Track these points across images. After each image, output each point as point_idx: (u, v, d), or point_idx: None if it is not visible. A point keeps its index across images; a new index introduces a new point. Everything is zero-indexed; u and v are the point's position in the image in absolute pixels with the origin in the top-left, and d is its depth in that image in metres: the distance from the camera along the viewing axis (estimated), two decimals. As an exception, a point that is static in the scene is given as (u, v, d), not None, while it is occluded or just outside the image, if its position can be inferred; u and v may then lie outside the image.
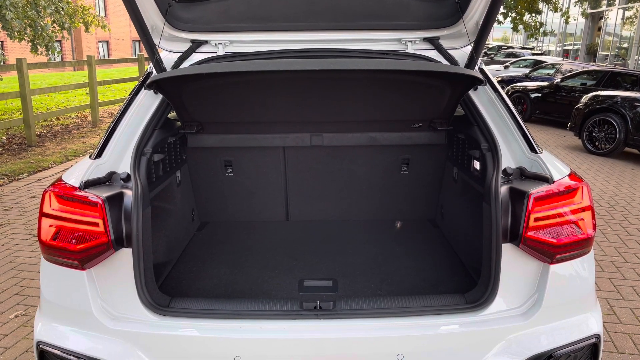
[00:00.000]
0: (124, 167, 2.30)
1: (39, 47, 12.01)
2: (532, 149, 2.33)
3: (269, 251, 3.20)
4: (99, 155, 2.30)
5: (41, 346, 2.15)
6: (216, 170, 3.57)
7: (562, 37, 40.33)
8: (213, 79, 2.62)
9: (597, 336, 2.20)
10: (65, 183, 2.16)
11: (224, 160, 3.53)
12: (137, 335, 2.09)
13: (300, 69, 2.11)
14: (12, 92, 9.79)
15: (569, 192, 2.11)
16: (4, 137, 10.15)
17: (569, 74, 13.32)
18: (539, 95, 12.95)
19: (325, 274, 2.89)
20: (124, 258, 2.14)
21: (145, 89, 2.57)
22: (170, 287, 2.72)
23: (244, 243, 3.36)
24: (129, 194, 2.15)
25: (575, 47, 37.04)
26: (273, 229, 3.63)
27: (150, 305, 2.14)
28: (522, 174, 2.25)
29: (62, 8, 12.43)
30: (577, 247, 2.10)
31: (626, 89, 11.20)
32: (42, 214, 2.09)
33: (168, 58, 2.85)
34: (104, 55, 42.01)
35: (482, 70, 2.71)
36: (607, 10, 32.20)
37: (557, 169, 2.25)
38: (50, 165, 8.26)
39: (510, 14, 23.77)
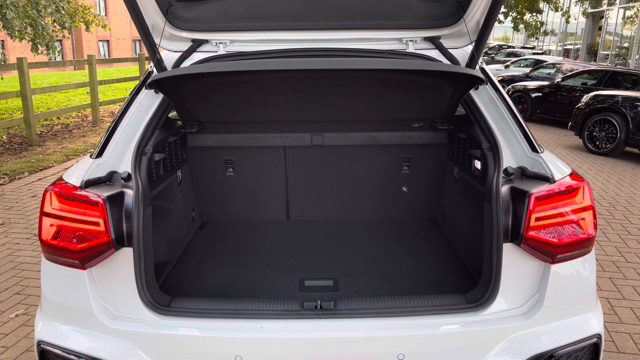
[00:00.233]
0: (125, 166, 2.30)
1: (39, 46, 12.01)
2: (533, 149, 2.32)
3: (269, 251, 3.20)
4: (99, 154, 2.30)
5: (42, 345, 2.15)
6: (217, 170, 3.57)
7: (562, 36, 40.30)
8: (214, 79, 2.62)
9: (598, 336, 2.20)
10: (66, 182, 2.16)
11: (224, 159, 3.53)
12: (138, 334, 2.09)
13: (300, 69, 2.11)
14: (13, 92, 9.79)
15: (570, 192, 2.11)
16: (4, 137, 10.15)
17: (570, 73, 13.32)
18: (540, 94, 12.94)
19: (326, 273, 2.88)
20: (125, 257, 2.14)
21: (145, 89, 2.56)
22: (171, 287, 2.72)
23: (244, 243, 3.36)
24: (129, 193, 2.15)
25: (576, 46, 37.02)
26: (274, 228, 3.63)
27: (151, 304, 2.14)
28: (523, 173, 2.25)
29: (63, 7, 12.43)
30: (578, 246, 2.10)
31: (627, 89, 11.19)
32: (43, 214, 2.08)
33: (169, 57, 2.85)
34: (104, 55, 42.02)
35: (483, 70, 2.71)
36: (607, 9, 32.17)
37: (558, 168, 2.25)
38: (50, 165, 8.26)
39: (511, 13, 23.76)
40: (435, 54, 2.88)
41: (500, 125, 2.49)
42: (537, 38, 31.32)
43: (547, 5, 24.69)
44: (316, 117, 3.18)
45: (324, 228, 3.61)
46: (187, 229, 3.40)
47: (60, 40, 32.46)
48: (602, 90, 10.66)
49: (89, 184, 2.11)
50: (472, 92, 2.68)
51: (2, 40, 27.59)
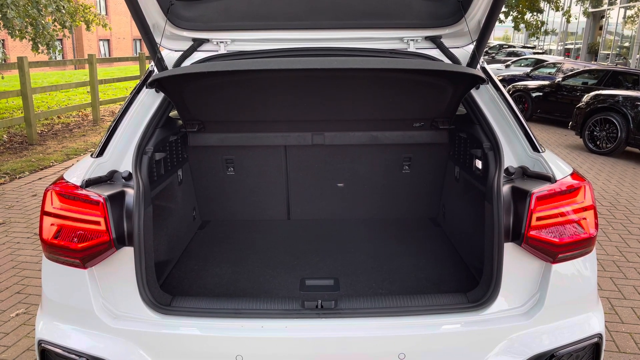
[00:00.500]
0: (126, 165, 2.30)
1: (40, 45, 12.01)
2: (535, 148, 2.32)
3: (270, 250, 3.20)
4: (100, 153, 2.30)
5: (42, 345, 2.15)
6: (217, 169, 3.57)
7: (563, 36, 40.28)
8: (214, 78, 2.61)
9: (599, 336, 2.20)
10: (67, 182, 2.16)
11: (225, 159, 3.53)
12: (139, 334, 2.09)
13: (301, 68, 2.10)
14: (13, 91, 9.79)
15: (571, 192, 2.11)
16: (5, 136, 10.15)
17: (570, 73, 13.30)
18: (540, 94, 12.94)
19: (327, 273, 2.88)
20: (126, 257, 2.14)
21: (146, 88, 2.56)
22: (171, 286, 2.72)
23: (245, 242, 3.35)
24: (130, 192, 2.15)
25: (577, 46, 37.00)
26: (274, 227, 3.63)
27: (151, 304, 2.14)
28: (524, 173, 2.24)
29: (63, 6, 12.42)
30: (579, 246, 2.10)
31: (627, 88, 11.18)
32: (44, 213, 2.08)
33: (169, 56, 2.85)
34: (105, 54, 42.03)
35: (484, 69, 2.71)
36: (608, 9, 32.16)
37: (560, 168, 2.24)
38: (51, 164, 8.26)
39: (511, 12, 23.74)
40: (436, 53, 2.88)
41: (502, 124, 2.49)
42: (537, 37, 31.30)
43: (548, 4, 24.67)
44: (317, 117, 3.17)
45: (324, 227, 3.61)
46: (187, 228, 3.40)
47: (61, 40, 32.46)
48: (602, 89, 10.65)
49: (89, 183, 2.11)
50: (473, 92, 2.68)
51: (3, 40, 27.60)
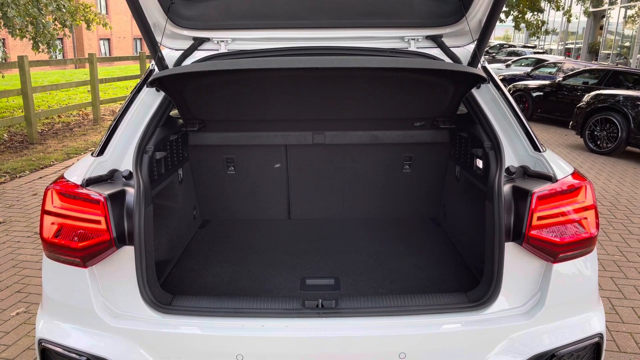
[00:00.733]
0: (126, 164, 2.30)
1: (40, 44, 12.01)
2: (535, 148, 2.32)
3: (270, 249, 3.20)
4: (101, 152, 2.29)
5: (43, 344, 2.15)
6: (218, 168, 3.57)
7: (564, 35, 40.26)
8: (215, 77, 2.61)
9: (600, 335, 2.19)
10: (68, 181, 2.15)
11: (225, 158, 3.53)
12: (139, 333, 2.09)
13: (302, 67, 2.10)
14: (14, 90, 9.79)
15: (572, 191, 2.11)
16: (5, 135, 10.15)
17: (571, 72, 13.30)
18: (541, 94, 12.93)
19: (327, 272, 2.88)
20: (126, 256, 2.13)
21: (147, 87, 2.56)
22: (172, 285, 2.72)
23: (245, 241, 3.35)
24: (131, 191, 2.15)
25: (577, 45, 36.99)
26: (275, 227, 3.62)
27: (152, 303, 2.14)
28: (525, 172, 2.24)
29: (64, 6, 12.42)
30: (580, 246, 2.09)
31: (628, 88, 11.18)
32: (44, 212, 2.08)
33: (170, 55, 2.85)
34: (105, 53, 42.03)
35: (485, 69, 2.70)
36: (609, 8, 32.14)
37: (561, 167, 2.24)
38: (51, 163, 8.26)
39: (512, 12, 23.71)
40: (437, 52, 2.87)
41: (502, 124, 2.49)
42: (538, 37, 31.28)
43: (549, 4, 24.65)
44: (317, 116, 3.17)
45: (325, 227, 3.61)
46: (188, 228, 3.40)
47: (61, 39, 32.46)
48: (603, 89, 10.64)
49: (90, 182, 2.11)
50: (474, 91, 2.68)
51: (3, 39, 27.60)
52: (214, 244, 3.32)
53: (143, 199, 2.16)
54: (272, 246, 3.25)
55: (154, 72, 2.61)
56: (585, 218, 2.10)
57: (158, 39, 2.70)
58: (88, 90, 16.44)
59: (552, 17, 37.86)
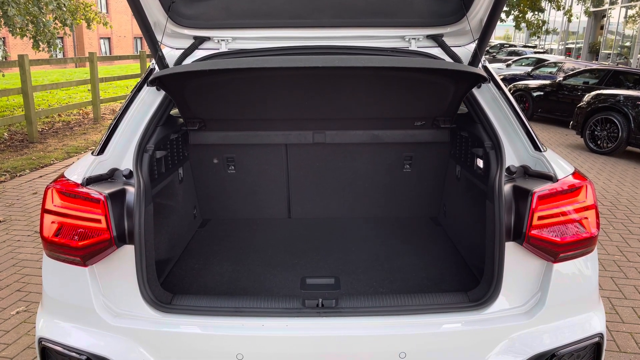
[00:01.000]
0: (127, 163, 2.29)
1: (40, 43, 12.01)
2: (536, 147, 2.31)
3: (271, 248, 3.20)
4: (101, 151, 2.29)
5: (43, 343, 2.15)
6: (218, 168, 3.57)
7: (564, 35, 40.26)
8: (215, 76, 2.61)
9: (600, 335, 2.19)
10: (68, 179, 2.15)
11: (226, 157, 3.53)
12: (139, 332, 2.09)
13: (303, 66, 2.10)
14: (14, 89, 9.79)
15: (572, 191, 2.10)
16: (5, 134, 10.15)
17: (571, 72, 13.29)
18: (541, 93, 12.93)
19: (328, 271, 2.88)
20: (126, 255, 2.13)
21: (147, 86, 2.56)
22: (172, 284, 2.72)
23: (246, 240, 3.35)
24: (131, 190, 2.14)
25: (578, 45, 36.98)
26: (275, 226, 3.62)
27: (152, 302, 2.14)
28: (526, 172, 2.24)
29: (64, 4, 12.42)
30: (580, 245, 2.09)
31: (629, 88, 11.17)
32: (45, 210, 2.08)
33: (171, 54, 2.85)
34: (105, 52, 42.02)
35: (485, 68, 2.70)
36: (609, 8, 32.13)
37: (561, 167, 2.24)
38: (51, 162, 8.26)
39: (512, 12, 23.70)
40: (437, 52, 2.87)
41: (503, 123, 2.48)
42: (538, 37, 31.27)
43: (549, 4, 24.64)
44: (318, 115, 3.17)
45: (325, 226, 3.61)
46: (188, 227, 3.40)
47: (62, 38, 32.47)
48: (603, 89, 10.64)
49: (90, 181, 2.10)
50: (474, 91, 2.67)
51: (4, 38, 27.60)
52: (214, 243, 3.32)
53: (143, 198, 2.16)
54: (272, 245, 3.25)
55: (155, 71, 2.61)
56: (586, 218, 2.10)
57: (158, 37, 2.70)
58: (88, 89, 16.44)
59: (553, 17, 37.86)
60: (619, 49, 30.66)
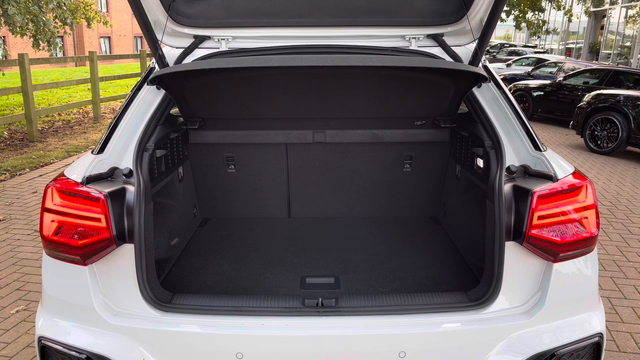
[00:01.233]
0: (126, 162, 2.29)
1: (40, 42, 12.01)
2: (536, 147, 2.31)
3: (271, 248, 3.20)
4: (101, 150, 2.29)
5: (43, 341, 2.15)
6: (218, 167, 3.57)
7: (564, 35, 40.25)
8: (216, 75, 2.61)
9: (600, 335, 2.19)
10: (68, 178, 2.15)
11: (226, 156, 3.53)
12: (139, 331, 2.09)
13: (303, 65, 2.10)
14: (14, 88, 9.78)
15: (573, 191, 2.10)
16: (5, 133, 10.15)
17: (572, 72, 13.29)
18: (541, 93, 12.93)
19: (327, 271, 2.88)
20: (126, 254, 2.13)
21: (147, 85, 2.56)
22: (172, 283, 2.72)
23: (245, 240, 3.35)
24: (131, 189, 2.14)
25: (578, 45, 36.97)
26: (275, 225, 3.62)
27: (152, 301, 2.14)
28: (526, 171, 2.24)
29: (64, 3, 12.43)
30: (580, 245, 2.09)
31: (629, 88, 11.17)
32: (44, 209, 2.08)
33: (171, 53, 2.84)
34: (105, 51, 42.02)
35: (486, 68, 2.70)
36: (610, 8, 32.12)
37: (561, 167, 2.24)
38: (51, 161, 8.26)
39: (513, 11, 23.69)
40: (438, 51, 2.87)
41: (503, 123, 2.48)
42: (539, 37, 31.27)
43: (550, 3, 24.63)
44: (318, 114, 3.17)
45: (325, 225, 3.61)
46: (188, 226, 3.40)
47: (62, 37, 32.45)
48: (603, 89, 10.64)
49: (90, 179, 2.10)
50: (474, 90, 2.67)
51: (4, 36, 27.57)
52: (214, 242, 3.32)
53: (143, 197, 2.16)
54: (272, 245, 3.25)
55: (155, 70, 2.61)
56: (586, 217, 2.10)
57: (159, 36, 2.70)
58: (88, 88, 16.44)
59: (553, 17, 37.86)
60: (619, 49, 30.65)
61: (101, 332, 2.10)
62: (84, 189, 2.06)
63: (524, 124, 2.41)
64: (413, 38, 2.89)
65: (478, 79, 2.57)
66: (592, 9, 32.96)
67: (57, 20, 12.65)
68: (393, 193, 3.70)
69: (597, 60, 30.99)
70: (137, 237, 2.10)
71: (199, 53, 2.86)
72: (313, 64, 2.08)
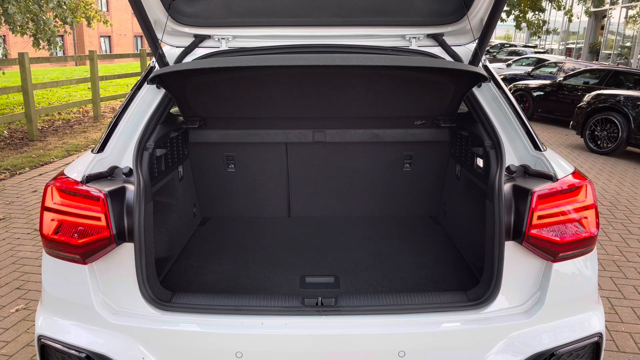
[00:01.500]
0: (126, 161, 2.29)
1: (41, 41, 12.01)
2: (536, 147, 2.31)
3: (270, 247, 3.20)
4: (101, 149, 2.29)
5: (42, 340, 2.15)
6: (218, 166, 3.57)
7: (565, 35, 40.24)
8: (216, 74, 2.61)
9: (600, 335, 2.19)
10: (68, 177, 2.15)
11: (226, 155, 3.53)
12: (139, 329, 2.09)
13: (303, 65, 2.10)
14: (14, 87, 9.78)
15: (572, 190, 2.10)
16: (5, 132, 10.15)
17: (572, 72, 13.29)
18: (542, 93, 12.93)
19: (327, 270, 2.88)
20: (126, 253, 2.13)
21: (147, 84, 2.56)
22: (171, 282, 2.72)
23: (245, 239, 3.35)
24: (131, 188, 2.14)
25: (578, 45, 36.97)
26: (275, 225, 3.62)
27: (151, 300, 2.14)
28: (526, 171, 2.24)
29: (65, 2, 12.42)
30: (580, 245, 2.09)
31: (629, 88, 11.17)
32: (44, 208, 2.08)
33: (171, 53, 2.84)
34: (105, 51, 42.02)
35: (486, 67, 2.70)
36: (610, 8, 32.12)
37: (561, 167, 2.24)
38: (51, 160, 8.26)
39: (513, 11, 23.68)
40: (438, 51, 2.87)
41: (503, 123, 2.48)
42: (539, 37, 31.26)
43: (550, 3, 24.62)
44: (318, 114, 3.17)
45: (325, 225, 3.61)
46: (188, 225, 3.40)
47: (62, 36, 32.45)
48: (604, 89, 10.64)
49: (90, 178, 2.10)
50: (475, 90, 2.67)
51: (4, 35, 27.56)
52: (214, 241, 3.32)
53: (143, 196, 2.16)
54: (272, 244, 3.25)
55: (155, 69, 2.61)
56: (586, 217, 2.10)
57: (159, 36, 2.70)
58: (88, 88, 16.43)
59: (553, 17, 37.85)
60: (619, 49, 30.65)
61: (101, 331, 2.10)
62: (84, 187, 2.06)
63: (524, 123, 2.41)
64: (413, 38, 2.89)
65: (478, 79, 2.57)
66: (592, 9, 32.96)
67: (57, 19, 12.65)
68: (393, 193, 3.70)
69: (597, 60, 30.99)
70: (137, 236, 2.10)
71: (199, 52, 2.86)
72: (313, 63, 2.08)
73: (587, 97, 10.13)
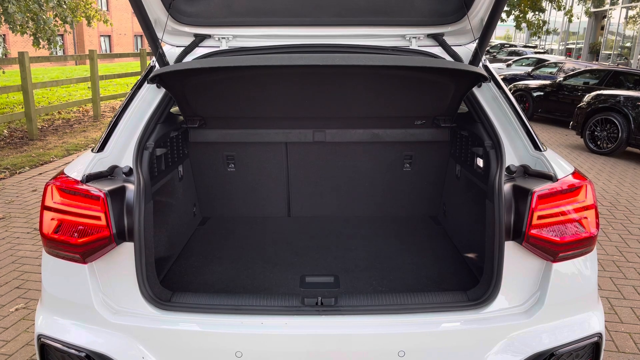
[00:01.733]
0: (126, 161, 2.29)
1: (41, 40, 12.01)
2: (536, 147, 2.31)
3: (270, 247, 3.20)
4: (101, 148, 2.29)
5: (42, 339, 2.15)
6: (218, 165, 3.57)
7: (565, 35, 40.24)
8: (216, 74, 2.61)
9: (599, 335, 2.19)
10: (68, 176, 2.15)
11: (226, 155, 3.53)
12: (138, 329, 2.09)
13: (303, 64, 2.10)
14: (14, 86, 9.77)
15: (572, 191, 2.10)
16: (5, 131, 10.15)
17: (572, 72, 13.29)
18: (542, 93, 12.93)
19: (327, 270, 2.88)
20: (126, 252, 2.13)
21: (147, 83, 2.56)
22: (171, 282, 2.72)
23: (245, 238, 3.35)
24: (131, 188, 2.14)
25: (578, 45, 36.97)
26: (274, 224, 3.62)
27: (151, 299, 2.14)
28: (526, 171, 2.24)
29: (65, 2, 12.42)
30: (580, 245, 2.09)
31: (629, 88, 11.17)
32: (44, 207, 2.08)
33: (171, 52, 2.84)
34: (106, 50, 42.01)
35: (486, 67, 2.70)
36: (610, 9, 32.12)
37: (561, 167, 2.24)
38: (51, 159, 8.26)
39: (513, 11, 23.67)
40: (438, 51, 2.87)
41: (503, 123, 2.48)
42: (539, 37, 31.25)
43: (550, 4, 24.62)
44: (318, 114, 3.17)
45: (324, 224, 3.61)
46: (188, 225, 3.40)
47: (62, 35, 32.44)
48: (604, 89, 10.64)
49: (90, 178, 2.10)
50: (475, 90, 2.67)
51: (4, 35, 27.56)
52: (214, 241, 3.32)
53: (143, 195, 2.16)
54: (271, 244, 3.25)
55: (155, 69, 2.61)
56: (586, 218, 2.10)
57: (159, 35, 2.70)
58: (88, 87, 16.43)
59: (554, 17, 37.85)
60: (619, 49, 30.66)
61: (101, 330, 2.10)
62: (84, 187, 2.06)
63: (524, 123, 2.41)
64: (413, 37, 2.89)
65: (478, 79, 2.57)
66: (592, 10, 32.96)
67: (57, 18, 12.64)
68: (393, 192, 3.70)
69: (597, 60, 30.99)
70: (136, 235, 2.10)
71: (199, 52, 2.85)
72: (313, 63, 2.08)
73: (587, 97, 10.13)
